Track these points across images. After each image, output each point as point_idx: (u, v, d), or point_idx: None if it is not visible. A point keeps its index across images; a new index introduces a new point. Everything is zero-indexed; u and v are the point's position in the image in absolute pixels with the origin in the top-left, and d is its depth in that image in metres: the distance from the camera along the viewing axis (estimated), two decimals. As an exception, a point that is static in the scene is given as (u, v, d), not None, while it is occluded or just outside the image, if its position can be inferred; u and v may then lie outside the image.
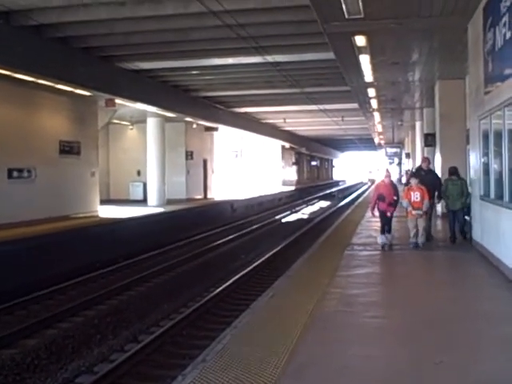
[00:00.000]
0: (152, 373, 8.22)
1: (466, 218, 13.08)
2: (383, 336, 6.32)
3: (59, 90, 18.25)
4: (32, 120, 18.64)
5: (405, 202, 12.45)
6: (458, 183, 12.72)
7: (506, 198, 8.90)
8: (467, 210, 12.79)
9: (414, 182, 12.51)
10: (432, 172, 14.18)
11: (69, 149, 20.66)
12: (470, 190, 12.77)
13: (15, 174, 17.59)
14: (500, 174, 9.53)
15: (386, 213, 12.49)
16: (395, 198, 12.45)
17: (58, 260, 15.45)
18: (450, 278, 9.82)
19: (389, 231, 12.70)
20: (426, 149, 23.31)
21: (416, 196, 12.20)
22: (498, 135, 9.45)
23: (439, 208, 16.92)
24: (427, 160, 14.23)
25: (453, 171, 13.08)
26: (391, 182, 12.97)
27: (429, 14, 11.03)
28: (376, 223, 17.89)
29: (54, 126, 19.87)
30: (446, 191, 12.84)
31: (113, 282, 14.41)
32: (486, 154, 10.82)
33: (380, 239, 12.69)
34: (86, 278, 14.68)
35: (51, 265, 15.09)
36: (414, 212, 12.26)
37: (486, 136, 10.70)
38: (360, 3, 9.80)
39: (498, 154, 9.54)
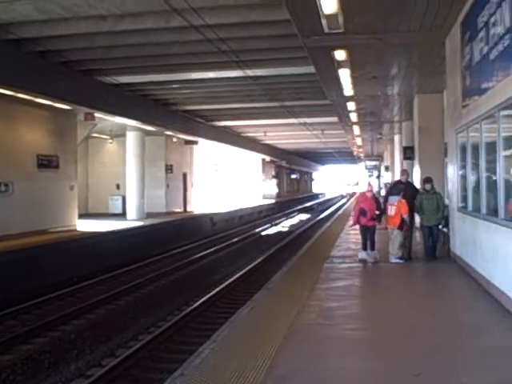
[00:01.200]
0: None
1: (444, 229, 12.96)
2: (362, 348, 6.31)
3: (38, 103, 18.15)
4: (10, 133, 18.49)
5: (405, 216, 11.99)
6: (433, 197, 12.05)
7: (484, 210, 8.98)
8: (445, 221, 12.46)
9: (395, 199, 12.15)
10: (411, 184, 13.84)
11: (47, 163, 20.51)
12: (446, 202, 12.48)
13: (-8, 187, 17.42)
14: (477, 186, 9.63)
15: (368, 228, 12.33)
16: (377, 212, 12.37)
17: (35, 274, 15.27)
18: (428, 290, 9.83)
19: (372, 248, 12.43)
20: (404, 162, 23.47)
21: (392, 211, 12.06)
22: (475, 148, 9.55)
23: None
24: (406, 173, 14.03)
25: (426, 180, 12.33)
26: (373, 195, 12.83)
27: (407, 29, 11.15)
28: (355, 235, 18.01)
29: (33, 140, 19.73)
30: (420, 206, 12.11)
31: (90, 296, 14.25)
32: (463, 167, 10.92)
33: (360, 255, 12.45)
34: (62, 292, 14.50)
35: (27, 279, 14.91)
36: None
37: (463, 149, 10.80)
38: (340, 18, 9.87)
39: (476, 167, 9.64)
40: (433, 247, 12.27)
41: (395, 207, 11.88)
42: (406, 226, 12.03)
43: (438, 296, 9.19)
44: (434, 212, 11.97)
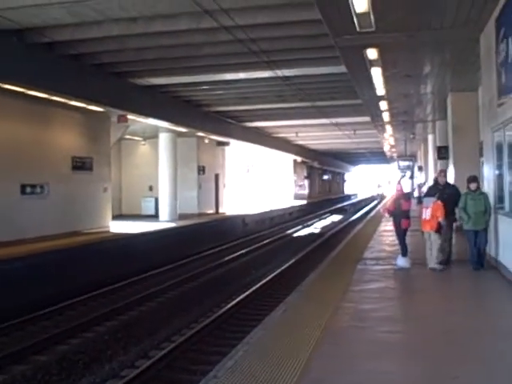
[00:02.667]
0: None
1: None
2: (397, 351, 6.21)
3: (72, 106, 18.42)
4: (45, 136, 18.75)
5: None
6: (480, 197, 10.68)
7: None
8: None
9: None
10: (450, 186, 12.51)
11: (81, 164, 20.75)
12: (490, 206, 10.85)
13: (28, 189, 17.67)
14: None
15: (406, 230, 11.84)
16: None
17: (68, 276, 15.45)
18: (464, 291, 9.66)
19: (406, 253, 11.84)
20: (438, 161, 23.18)
21: (427, 214, 11.15)
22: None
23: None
24: (443, 172, 12.96)
25: (471, 179, 10.93)
26: (403, 194, 12.28)
27: (440, 26, 10.99)
28: (388, 237, 17.84)
29: (67, 142, 19.98)
30: (465, 208, 10.76)
31: (123, 297, 14.36)
32: (499, 167, 10.71)
33: (400, 262, 11.70)
34: (96, 293, 14.64)
35: (62, 280, 15.09)
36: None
37: (499, 148, 10.60)
38: (371, 16, 9.77)
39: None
40: (479, 254, 10.79)
41: (430, 210, 11.05)
42: (442, 230, 11.14)
43: (474, 297, 9.05)
44: (481, 214, 10.59)
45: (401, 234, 11.92)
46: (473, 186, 10.78)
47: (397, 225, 11.96)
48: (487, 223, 10.67)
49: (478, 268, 10.59)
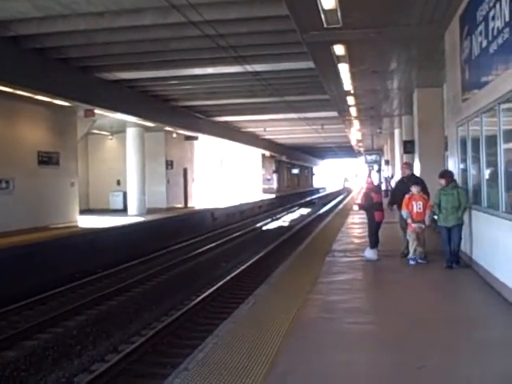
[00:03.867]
0: (133, 382, 8.17)
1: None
2: (365, 342, 6.33)
3: (38, 100, 18.18)
4: (10, 131, 18.52)
5: (405, 213, 11.05)
6: (452, 193, 10.23)
7: (485, 203, 9.01)
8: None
9: (415, 189, 11.03)
10: (415, 176, 12.74)
11: (48, 159, 20.55)
12: (465, 201, 10.19)
13: (-7, 185, 17.46)
14: (478, 179, 9.66)
15: (380, 223, 11.85)
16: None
17: (36, 271, 15.32)
18: (430, 281, 9.84)
19: (376, 244, 11.90)
20: (405, 156, 23.50)
21: (418, 206, 10.94)
22: (476, 141, 9.57)
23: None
24: (408, 165, 13.17)
25: (440, 175, 10.68)
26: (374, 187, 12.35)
27: (407, 23, 11.17)
28: (356, 229, 18.08)
29: (33, 137, 19.76)
30: (439, 203, 10.39)
31: (92, 292, 14.30)
32: (463, 160, 10.94)
33: (368, 254, 11.81)
34: (65, 288, 14.54)
35: (29, 276, 14.96)
36: (414, 225, 10.97)
37: (463, 142, 10.82)
38: (339, 13, 9.89)
39: (476, 160, 9.66)
40: (452, 252, 10.34)
41: (422, 202, 10.94)
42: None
43: (441, 287, 9.23)
44: (453, 210, 10.15)
45: (373, 226, 11.87)
46: (442, 181, 10.49)
47: (370, 218, 11.94)
48: (460, 219, 10.19)
49: (450, 266, 10.22)
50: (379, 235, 12.02)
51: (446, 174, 10.67)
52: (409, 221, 11.01)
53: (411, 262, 10.97)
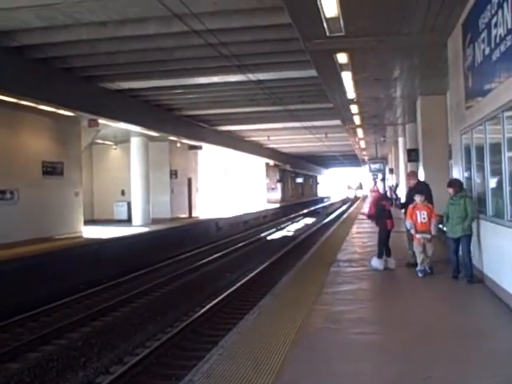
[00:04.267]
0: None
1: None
2: (370, 353, 6.28)
3: (42, 110, 18.23)
4: (14, 141, 18.56)
5: (408, 223, 10.74)
6: (459, 203, 9.79)
7: (490, 212, 8.95)
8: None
9: (418, 198, 10.67)
10: (421, 183, 12.34)
11: (52, 169, 20.58)
12: (472, 211, 9.72)
13: (-3, 195, 17.48)
14: (482, 188, 9.60)
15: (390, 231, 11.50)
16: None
17: (41, 282, 15.29)
18: (437, 292, 9.77)
19: (389, 253, 11.65)
20: (409, 164, 23.46)
21: (423, 216, 10.54)
22: (480, 149, 9.53)
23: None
24: (413, 174, 12.99)
25: (448, 184, 10.38)
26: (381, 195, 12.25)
27: (409, 31, 11.16)
28: (361, 239, 18.00)
29: (37, 147, 19.79)
30: (448, 213, 10.05)
31: (97, 303, 14.25)
32: (468, 169, 10.89)
33: (374, 263, 11.62)
34: (68, 300, 14.51)
35: (33, 287, 14.93)
36: (418, 236, 10.58)
37: (467, 151, 10.78)
38: (341, 21, 9.89)
39: (480, 168, 9.61)
40: (460, 262, 10.00)
41: (426, 212, 10.55)
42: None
43: (447, 298, 9.15)
44: (459, 220, 9.74)
45: (383, 235, 11.61)
46: (450, 190, 10.11)
47: (381, 226, 11.65)
48: (467, 230, 9.69)
49: (455, 276, 9.96)
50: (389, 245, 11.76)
51: (454, 183, 10.28)
52: (412, 231, 10.72)
53: (419, 274, 10.57)
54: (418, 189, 11.43)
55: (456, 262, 10.02)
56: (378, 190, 12.27)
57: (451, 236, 10.03)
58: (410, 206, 10.77)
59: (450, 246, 10.24)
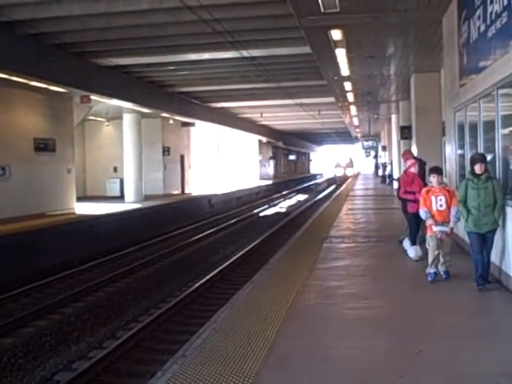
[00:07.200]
0: (131, 369, 8.18)
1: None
2: (363, 327, 6.33)
3: (33, 86, 18.05)
4: (6, 117, 18.44)
5: (424, 213, 8.23)
6: (486, 185, 7.42)
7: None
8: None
9: (434, 179, 8.22)
10: (419, 160, 11.05)
11: (44, 146, 20.49)
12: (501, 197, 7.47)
13: (-11, 172, 17.42)
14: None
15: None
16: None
17: (34, 258, 15.30)
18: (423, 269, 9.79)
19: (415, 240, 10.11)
20: (402, 141, 23.49)
21: (440, 203, 8.13)
22: (474, 127, 9.54)
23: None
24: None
25: (475, 159, 7.62)
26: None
27: (404, 8, 11.10)
28: (353, 216, 18.08)
29: (29, 124, 19.68)
30: (465, 201, 7.61)
31: (90, 278, 14.29)
32: (461, 146, 10.91)
33: (415, 252, 9.97)
34: (63, 275, 14.54)
35: (27, 263, 14.95)
36: (435, 228, 8.13)
37: (461, 128, 10.79)
38: (336, -3, 9.83)
39: (474, 146, 9.63)
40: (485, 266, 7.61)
41: (444, 197, 8.14)
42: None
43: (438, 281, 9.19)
44: (489, 210, 7.42)
45: (413, 220, 10.06)
46: (477, 168, 7.48)
47: (409, 211, 10.22)
48: (497, 222, 7.49)
49: (482, 284, 7.52)
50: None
51: (479, 159, 7.58)
52: (429, 222, 8.21)
53: (429, 278, 8.27)
54: (422, 168, 10.50)
55: (483, 266, 7.53)
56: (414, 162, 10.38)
57: (475, 231, 7.53)
58: (424, 190, 8.42)
59: (473, 245, 7.67)
